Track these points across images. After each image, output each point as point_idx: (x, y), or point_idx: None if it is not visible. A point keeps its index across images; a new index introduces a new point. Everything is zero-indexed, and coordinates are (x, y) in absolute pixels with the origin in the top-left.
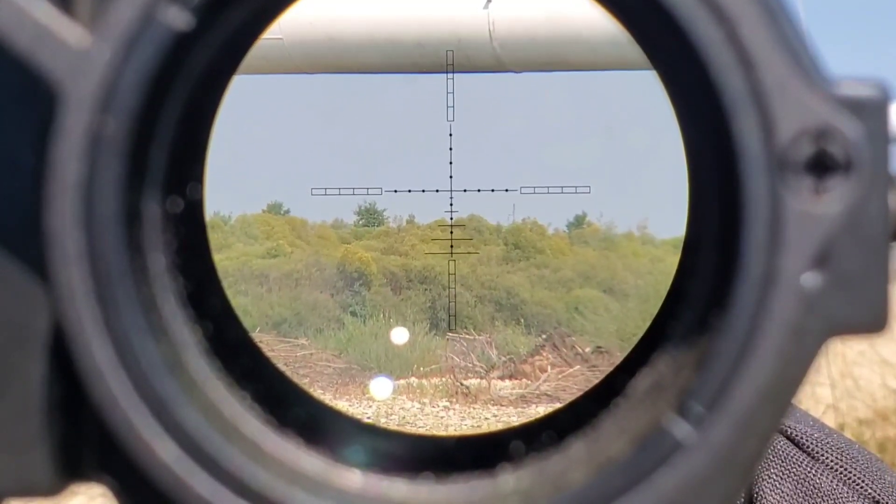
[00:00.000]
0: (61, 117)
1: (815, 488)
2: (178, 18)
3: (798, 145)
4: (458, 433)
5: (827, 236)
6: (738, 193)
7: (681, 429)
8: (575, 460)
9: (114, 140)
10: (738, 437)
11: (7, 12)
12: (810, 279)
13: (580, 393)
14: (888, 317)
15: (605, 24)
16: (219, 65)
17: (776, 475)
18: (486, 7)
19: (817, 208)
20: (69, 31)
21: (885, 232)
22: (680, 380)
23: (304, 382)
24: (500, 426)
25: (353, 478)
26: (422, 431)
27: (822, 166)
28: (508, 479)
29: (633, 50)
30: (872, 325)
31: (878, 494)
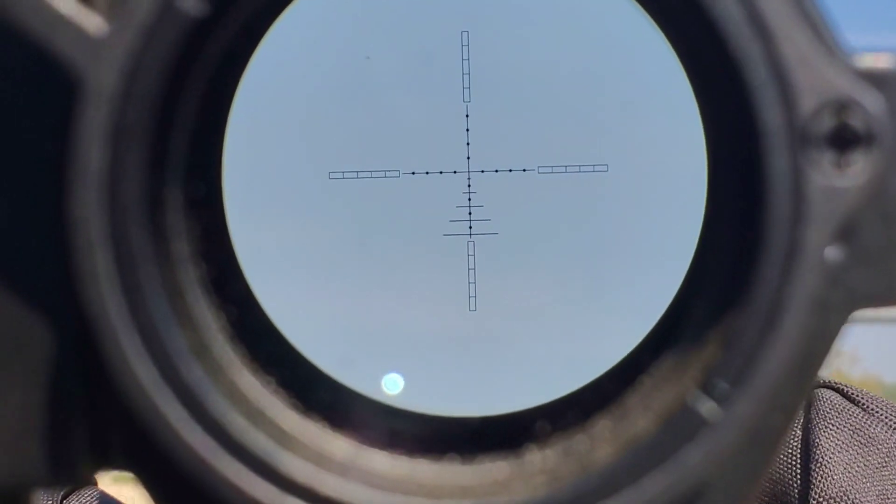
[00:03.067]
0: (82, 105)
1: (870, 438)
2: (195, 5)
3: (819, 119)
4: (482, 414)
5: (849, 210)
6: (760, 168)
7: (706, 406)
8: (600, 439)
9: (134, 127)
10: (763, 413)
11: (26, 2)
12: (833, 253)
13: (604, 372)
14: None
15: None
16: (235, 50)
17: (832, 425)
18: None
19: (839, 182)
20: (88, 19)
21: None
22: (704, 357)
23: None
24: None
25: (380, 460)
26: (446, 413)
27: (843, 140)
28: (534, 459)
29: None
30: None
31: None
